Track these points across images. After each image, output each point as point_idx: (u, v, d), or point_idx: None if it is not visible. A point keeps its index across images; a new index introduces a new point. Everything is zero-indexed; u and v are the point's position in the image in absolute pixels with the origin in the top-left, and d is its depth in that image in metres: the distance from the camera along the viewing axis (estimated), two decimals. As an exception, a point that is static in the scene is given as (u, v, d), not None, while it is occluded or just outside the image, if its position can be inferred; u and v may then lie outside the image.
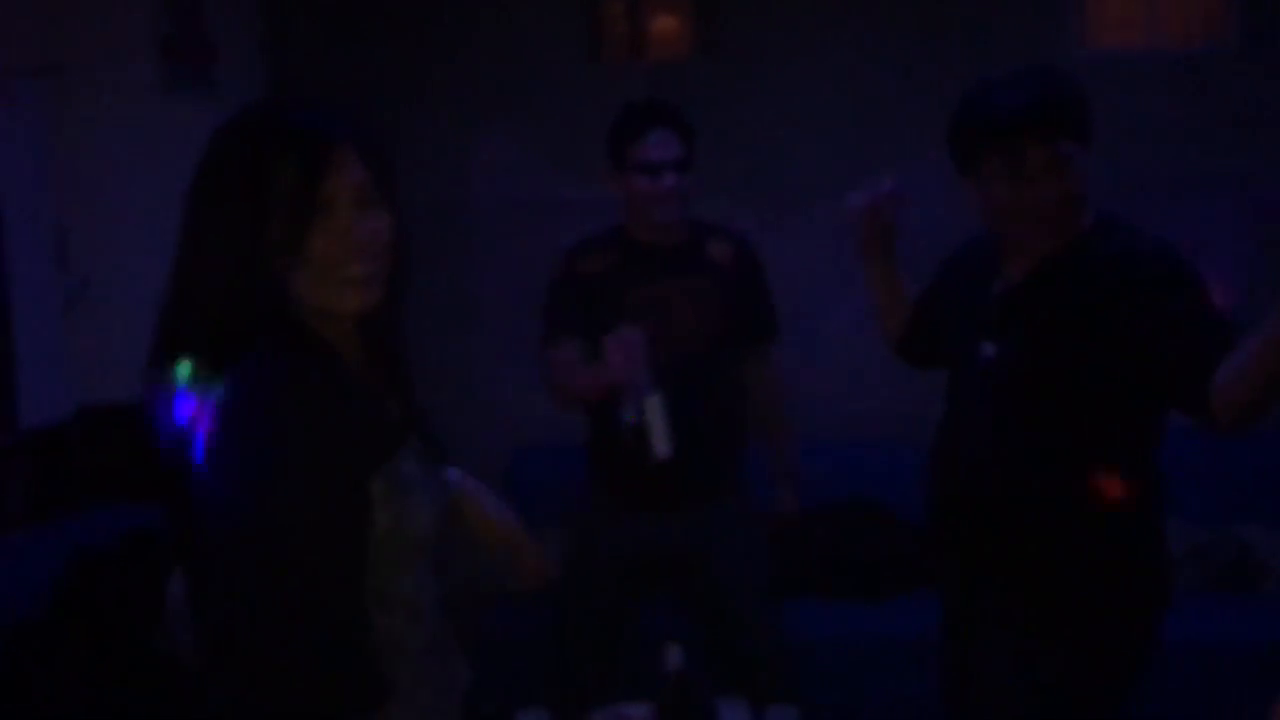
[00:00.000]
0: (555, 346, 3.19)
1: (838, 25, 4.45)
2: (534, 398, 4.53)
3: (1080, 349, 2.21)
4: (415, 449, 1.63)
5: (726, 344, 3.20)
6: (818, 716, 3.12)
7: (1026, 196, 2.22)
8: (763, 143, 4.47)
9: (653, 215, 3.13)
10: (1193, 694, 3.52)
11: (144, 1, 3.75)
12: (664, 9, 4.60)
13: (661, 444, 2.83)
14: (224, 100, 4.07)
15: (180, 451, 1.50)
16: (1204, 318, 2.08)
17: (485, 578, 2.42)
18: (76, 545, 2.96)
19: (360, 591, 1.53)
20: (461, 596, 3.45)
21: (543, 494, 4.08)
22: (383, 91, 4.55)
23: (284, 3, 4.59)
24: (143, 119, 3.71)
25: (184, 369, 1.51)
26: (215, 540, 1.45)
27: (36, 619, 2.77)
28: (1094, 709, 2.29)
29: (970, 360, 2.38)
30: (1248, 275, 4.12)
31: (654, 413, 2.82)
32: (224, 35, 4.17)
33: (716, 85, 4.43)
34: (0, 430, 3.27)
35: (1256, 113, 4.32)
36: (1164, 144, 4.35)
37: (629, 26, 4.60)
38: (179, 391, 1.52)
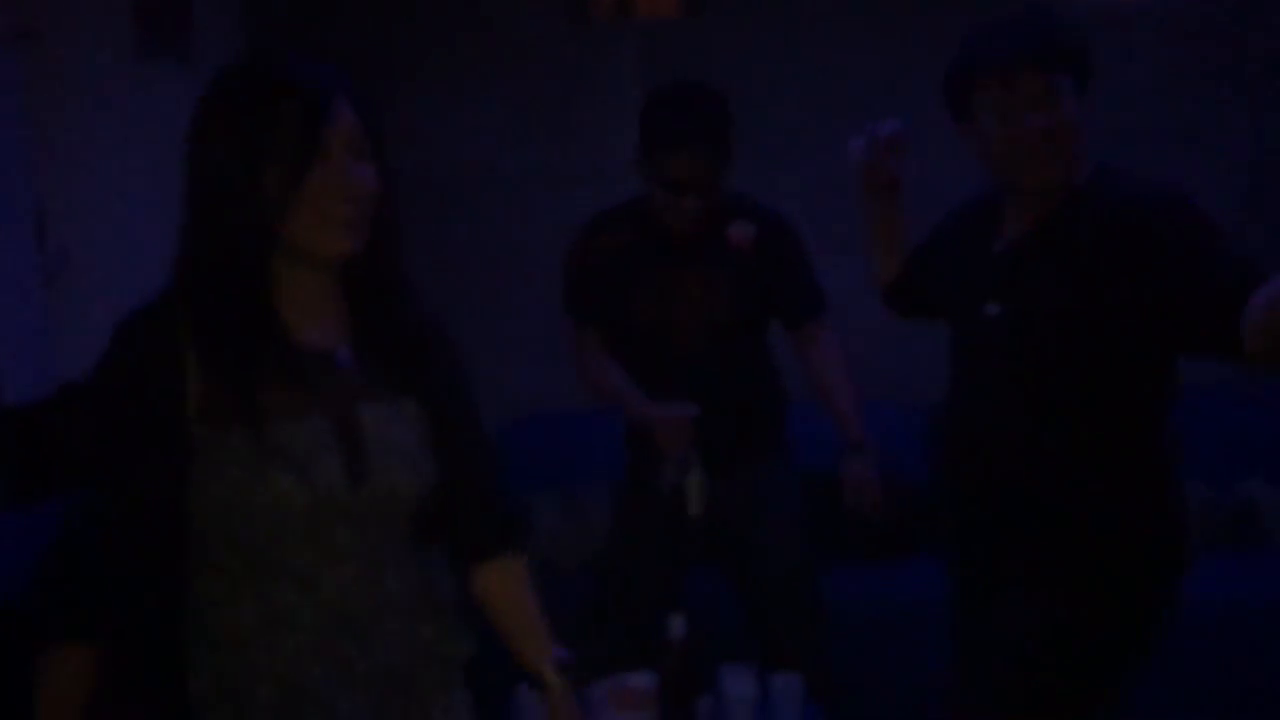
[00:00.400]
0: (582, 336, 3.21)
1: (827, -19, 4.40)
2: (519, 367, 4.50)
3: (1089, 302, 2.16)
4: (340, 413, 1.61)
5: (742, 330, 3.16)
6: (822, 680, 3.10)
7: (1021, 128, 2.18)
8: (752, 102, 4.40)
9: (670, 221, 3.08)
10: (1196, 650, 3.50)
11: (119, -33, 3.68)
12: (650, -32, 4.53)
13: (697, 507, 3.06)
14: (201, 69, 4.01)
15: None
16: (1222, 255, 2.03)
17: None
18: (60, 526, 2.90)
19: (181, 554, 1.57)
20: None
21: (531, 462, 4.07)
22: (363, 56, 4.48)
23: (261, -32, 4.52)
24: (119, 88, 3.64)
25: None
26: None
27: (18, 604, 2.72)
28: (1113, 669, 2.26)
29: (974, 322, 2.34)
30: (1242, 226, 4.09)
31: (693, 483, 3.04)
32: (201, 2, 4.09)
33: (705, 45, 4.37)
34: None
35: (1255, 64, 4.28)
36: (1162, 95, 4.31)
37: (615, -15, 4.53)
38: None
